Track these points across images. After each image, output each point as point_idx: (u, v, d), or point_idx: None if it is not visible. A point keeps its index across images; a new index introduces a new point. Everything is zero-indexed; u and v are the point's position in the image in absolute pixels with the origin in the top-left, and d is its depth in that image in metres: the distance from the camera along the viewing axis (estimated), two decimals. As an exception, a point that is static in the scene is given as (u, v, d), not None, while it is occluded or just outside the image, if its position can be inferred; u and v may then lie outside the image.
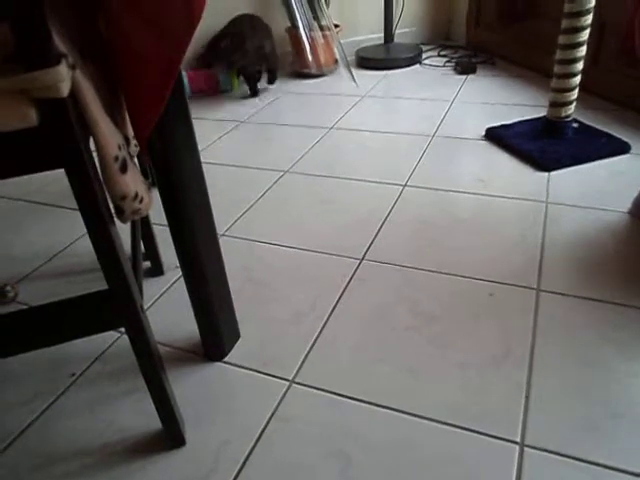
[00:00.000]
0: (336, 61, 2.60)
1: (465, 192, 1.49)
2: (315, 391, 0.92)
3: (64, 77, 0.52)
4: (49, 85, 0.51)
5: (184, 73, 2.21)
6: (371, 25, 2.82)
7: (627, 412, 0.84)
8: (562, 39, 1.56)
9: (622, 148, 1.63)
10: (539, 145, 1.67)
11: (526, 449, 0.80)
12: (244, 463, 0.81)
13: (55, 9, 0.59)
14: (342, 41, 2.70)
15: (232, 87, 2.45)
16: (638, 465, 0.77)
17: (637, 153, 1.61)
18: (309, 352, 1.00)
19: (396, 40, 2.79)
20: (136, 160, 0.95)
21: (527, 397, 0.88)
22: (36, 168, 0.58)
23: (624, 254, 1.20)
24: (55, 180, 1.69)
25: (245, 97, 2.38)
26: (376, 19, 2.74)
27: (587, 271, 1.15)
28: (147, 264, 1.24)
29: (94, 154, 0.61)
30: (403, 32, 2.86)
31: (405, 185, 1.55)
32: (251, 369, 0.98)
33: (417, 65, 2.64)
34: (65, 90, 0.53)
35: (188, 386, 0.95)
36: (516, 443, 0.81)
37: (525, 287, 1.12)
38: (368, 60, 2.66)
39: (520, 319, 1.04)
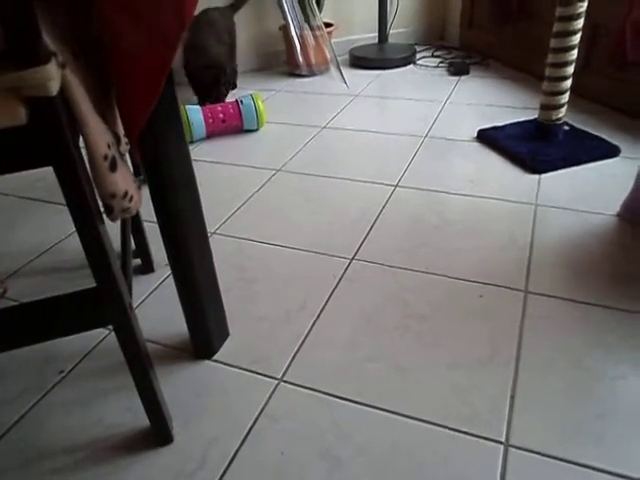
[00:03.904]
0: (328, 61, 2.60)
1: (456, 193, 1.50)
2: (304, 390, 0.93)
3: (53, 76, 0.52)
4: (38, 83, 0.51)
5: (199, 108, 1.89)
6: (366, 24, 2.83)
7: (612, 414, 0.85)
8: (554, 42, 1.57)
9: (612, 151, 1.64)
10: (530, 147, 1.68)
11: (510, 449, 0.81)
12: (231, 461, 0.82)
13: (46, 7, 0.59)
14: (336, 40, 2.70)
15: (258, 124, 1.98)
16: (622, 466, 0.78)
17: (627, 156, 1.63)
18: (298, 351, 1.01)
19: (390, 40, 2.79)
20: (128, 158, 0.95)
21: (513, 397, 0.89)
22: (25, 166, 0.58)
23: (612, 257, 1.21)
24: (46, 176, 1.69)
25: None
26: (371, 18, 2.74)
27: (575, 273, 1.17)
28: (137, 261, 1.24)
29: (84, 152, 0.62)
30: (397, 32, 2.87)
31: (396, 185, 1.56)
32: (240, 367, 0.98)
33: (411, 65, 2.65)
34: (54, 89, 0.53)
35: (177, 384, 0.95)
36: (501, 443, 0.82)
37: (513, 289, 1.13)
38: (362, 59, 2.67)
39: (508, 320, 1.05)
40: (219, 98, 2.10)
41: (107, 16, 0.63)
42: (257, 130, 2.00)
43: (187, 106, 1.89)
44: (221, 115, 1.93)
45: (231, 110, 1.93)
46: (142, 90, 0.68)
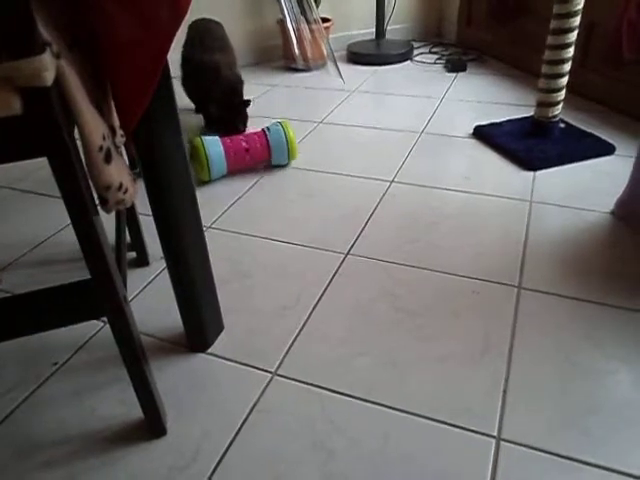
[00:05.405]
0: (325, 56, 2.59)
1: (451, 190, 1.51)
2: (297, 383, 0.93)
3: (48, 66, 0.52)
4: (33, 74, 0.51)
5: (217, 139, 1.56)
6: (363, 20, 2.82)
7: (603, 408, 0.86)
8: (551, 40, 1.57)
9: (607, 149, 1.65)
10: (526, 144, 1.69)
11: (502, 443, 0.81)
12: (224, 454, 0.82)
13: (41, -3, 0.59)
14: (334, 36, 2.70)
15: (289, 158, 1.65)
16: (612, 460, 0.78)
17: (621, 154, 1.63)
18: (292, 345, 1.01)
19: (388, 36, 2.79)
20: (123, 150, 0.95)
21: (505, 392, 0.90)
22: (19, 156, 0.58)
23: (605, 254, 1.22)
24: (40, 167, 1.68)
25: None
26: (368, 14, 2.74)
27: (568, 270, 1.17)
28: (133, 254, 1.24)
29: (79, 144, 0.62)
30: (395, 28, 2.87)
31: (392, 181, 1.56)
32: (234, 360, 0.98)
33: (408, 61, 2.65)
34: (49, 79, 0.53)
35: (171, 377, 0.96)
36: (492, 437, 0.82)
37: (507, 285, 1.13)
38: (359, 55, 2.66)
39: (501, 316, 1.05)
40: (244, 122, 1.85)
41: (102, 7, 0.63)
42: (287, 165, 1.69)
43: (203, 137, 1.56)
44: (244, 145, 1.59)
45: (257, 143, 1.60)
46: (138, 82, 0.68)
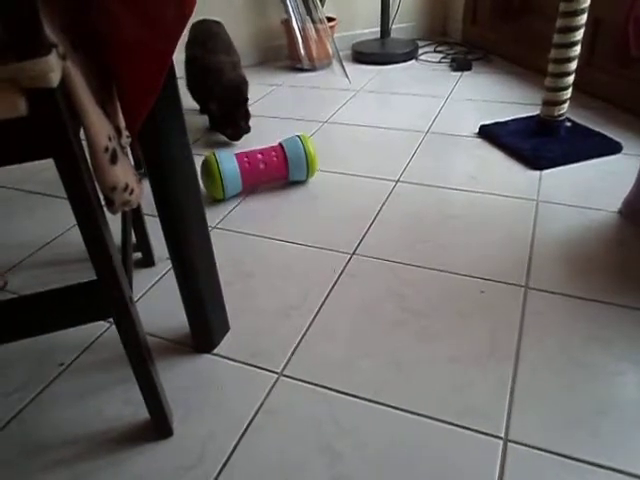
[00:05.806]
0: (330, 56, 2.59)
1: (457, 189, 1.50)
2: (303, 384, 0.93)
3: (54, 67, 0.52)
4: (39, 75, 0.51)
5: (232, 155, 1.48)
6: (368, 19, 2.81)
7: (612, 409, 0.85)
8: (557, 38, 1.57)
9: (614, 148, 1.64)
10: (532, 143, 1.68)
11: (510, 444, 0.81)
12: (231, 455, 0.82)
13: (47, -2, 0.58)
14: (339, 35, 2.70)
15: (309, 174, 1.56)
16: (621, 462, 0.78)
17: (628, 153, 1.62)
18: (298, 345, 1.01)
19: (392, 35, 2.78)
20: (129, 151, 0.95)
21: (512, 393, 0.89)
22: (25, 158, 0.58)
23: (613, 253, 1.21)
24: (47, 168, 1.68)
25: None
26: (373, 13, 2.73)
27: (575, 269, 1.16)
28: (138, 255, 1.24)
29: (85, 144, 0.61)
30: (400, 27, 2.86)
31: (398, 181, 1.56)
32: (240, 361, 0.98)
33: (413, 61, 2.64)
34: (55, 80, 0.52)
35: (177, 377, 0.96)
36: (500, 438, 0.82)
37: (513, 284, 1.13)
38: (364, 55, 2.66)
39: (507, 316, 1.05)
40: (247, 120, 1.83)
41: (107, 7, 0.63)
42: (306, 181, 1.60)
43: (217, 153, 1.47)
44: (261, 161, 1.49)
45: (274, 157, 1.51)
46: (143, 82, 0.68)
